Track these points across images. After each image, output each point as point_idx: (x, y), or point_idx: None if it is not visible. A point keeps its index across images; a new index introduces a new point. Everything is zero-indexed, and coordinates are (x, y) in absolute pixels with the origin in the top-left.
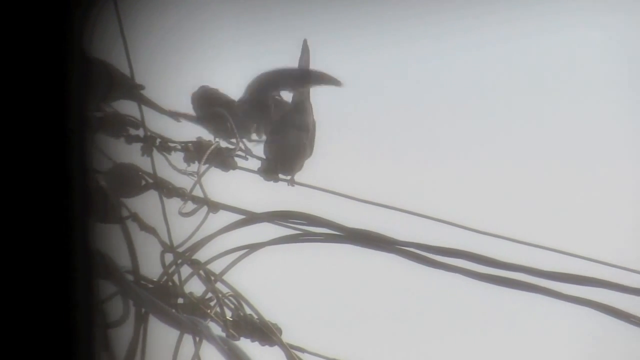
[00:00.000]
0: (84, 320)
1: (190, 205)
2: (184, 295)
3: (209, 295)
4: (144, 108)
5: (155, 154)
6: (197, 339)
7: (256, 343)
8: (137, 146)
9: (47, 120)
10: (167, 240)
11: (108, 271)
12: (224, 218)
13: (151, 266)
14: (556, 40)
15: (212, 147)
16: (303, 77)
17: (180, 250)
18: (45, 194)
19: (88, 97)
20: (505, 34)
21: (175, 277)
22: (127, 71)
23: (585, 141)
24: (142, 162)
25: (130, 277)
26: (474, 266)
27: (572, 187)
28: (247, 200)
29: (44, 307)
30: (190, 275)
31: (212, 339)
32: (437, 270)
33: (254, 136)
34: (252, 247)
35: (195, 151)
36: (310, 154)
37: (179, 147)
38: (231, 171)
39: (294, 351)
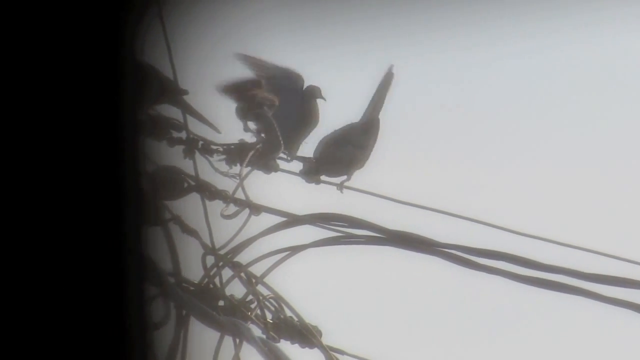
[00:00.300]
0: (128, 321)
1: (232, 208)
2: (224, 297)
3: (250, 297)
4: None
5: (198, 156)
6: (238, 340)
7: (296, 345)
8: (179, 149)
9: (101, 124)
10: (208, 243)
11: (150, 273)
12: (266, 220)
13: (193, 268)
14: (612, 45)
15: (254, 149)
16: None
17: (222, 252)
18: (98, 197)
19: (140, 102)
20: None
21: (217, 280)
22: (172, 77)
23: (623, 143)
24: (185, 165)
25: (171, 279)
26: (515, 268)
27: (616, 189)
28: (288, 203)
29: (91, 309)
30: (232, 278)
31: (252, 340)
32: (478, 272)
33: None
34: (294, 250)
35: (237, 153)
36: (362, 166)
37: (221, 149)
38: (273, 173)
39: (333, 353)
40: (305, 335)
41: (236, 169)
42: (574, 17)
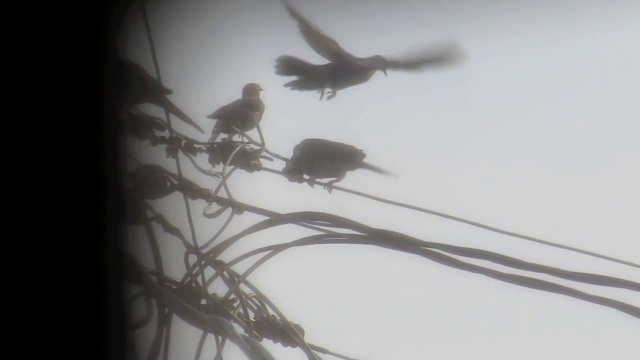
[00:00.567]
0: (109, 320)
1: (215, 207)
2: (207, 296)
3: (232, 296)
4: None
5: (181, 155)
6: (220, 339)
7: (278, 344)
8: (162, 147)
9: (81, 122)
10: (191, 241)
11: (132, 272)
12: (249, 219)
13: (175, 267)
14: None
15: (237, 148)
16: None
17: (205, 251)
18: (77, 195)
19: (121, 100)
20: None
21: (199, 278)
22: (155, 75)
23: (606, 142)
24: (168, 164)
25: (154, 278)
26: (498, 267)
27: (600, 188)
28: (271, 202)
29: (71, 307)
30: (214, 276)
31: (235, 338)
32: (461, 270)
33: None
34: (276, 248)
35: (220, 152)
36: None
37: (204, 148)
38: (256, 172)
39: (316, 352)
40: (288, 334)
41: (219, 167)
42: (562, 15)
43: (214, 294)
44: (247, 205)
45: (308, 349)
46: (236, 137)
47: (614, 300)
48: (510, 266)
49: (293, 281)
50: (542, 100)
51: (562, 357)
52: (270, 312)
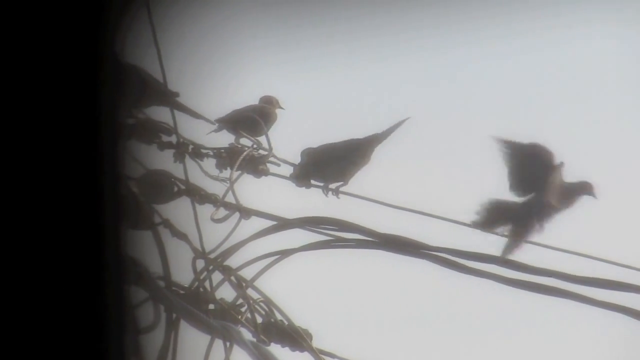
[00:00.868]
0: (116, 325)
1: (222, 212)
2: (215, 301)
3: (240, 301)
4: (177, 114)
5: (188, 160)
6: (228, 344)
7: (286, 349)
8: (169, 153)
9: (80, 126)
10: (198, 247)
11: (140, 277)
12: (256, 224)
13: (183, 272)
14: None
15: (245, 153)
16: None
17: (212, 256)
18: (78, 200)
19: (120, 103)
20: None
21: (207, 283)
22: (160, 78)
23: (606, 143)
24: (175, 169)
25: (161, 283)
26: (505, 271)
27: (605, 192)
28: (279, 207)
29: (77, 313)
30: (222, 282)
31: (242, 344)
32: (469, 275)
33: None
34: (284, 253)
35: (227, 157)
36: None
37: (211, 153)
38: (263, 177)
39: (324, 357)
40: (296, 338)
41: (226, 172)
42: (555, 19)
43: (222, 299)
44: (254, 210)
45: (316, 353)
46: (244, 142)
47: (621, 305)
48: (517, 270)
49: (301, 286)
50: (544, 103)
51: None
52: (278, 316)
